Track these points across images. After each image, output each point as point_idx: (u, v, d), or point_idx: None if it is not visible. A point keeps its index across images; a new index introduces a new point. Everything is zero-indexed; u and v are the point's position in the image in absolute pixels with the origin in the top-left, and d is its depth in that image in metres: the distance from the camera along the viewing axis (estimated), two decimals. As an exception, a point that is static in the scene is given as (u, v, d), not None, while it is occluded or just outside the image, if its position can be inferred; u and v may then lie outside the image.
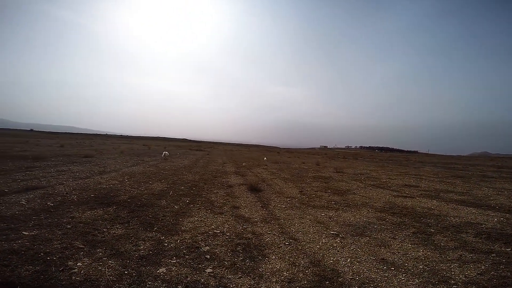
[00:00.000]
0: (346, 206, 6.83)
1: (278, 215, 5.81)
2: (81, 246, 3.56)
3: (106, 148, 26.77)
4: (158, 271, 3.10)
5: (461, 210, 6.81)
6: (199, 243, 4.02)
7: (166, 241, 4.00)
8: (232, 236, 4.40)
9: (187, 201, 6.62)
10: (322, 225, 5.15)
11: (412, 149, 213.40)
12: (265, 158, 25.19)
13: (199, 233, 4.44)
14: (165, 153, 20.11)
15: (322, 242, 4.28)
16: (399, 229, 5.06)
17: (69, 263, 3.10)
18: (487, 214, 6.30)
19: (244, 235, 4.50)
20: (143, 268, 3.12)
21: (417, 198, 8.26)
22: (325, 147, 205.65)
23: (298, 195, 8.02)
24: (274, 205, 6.67)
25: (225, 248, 3.91)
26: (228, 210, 6.04)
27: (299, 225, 5.13)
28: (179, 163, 16.15)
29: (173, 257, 3.47)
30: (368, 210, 6.44)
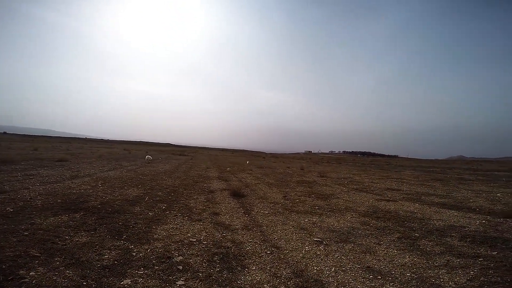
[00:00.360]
0: (329, 211, 6.67)
1: (260, 221, 5.54)
2: (37, 254, 3.26)
3: (83, 152, 25.49)
4: (122, 282, 2.80)
5: (443, 213, 6.82)
6: (171, 253, 3.69)
7: (135, 250, 3.67)
8: (209, 245, 4.09)
9: (163, 207, 6.23)
10: (305, 232, 4.93)
11: (393, 154, 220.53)
12: (247, 162, 24.94)
13: (173, 242, 4.10)
14: (148, 157, 19.70)
15: (305, 250, 4.05)
16: (383, 234, 4.92)
17: (21, 272, 2.79)
18: (469, 217, 6.32)
19: (223, 243, 4.19)
20: (105, 279, 2.84)
21: (400, 201, 8.26)
22: (310, 152, 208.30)
23: (282, 200, 7.79)
24: (257, 211, 6.40)
25: (201, 258, 3.59)
26: (207, 216, 5.70)
27: (282, 232, 4.88)
28: (159, 168, 15.55)
29: (140, 268, 3.16)
30: (352, 215, 6.30)
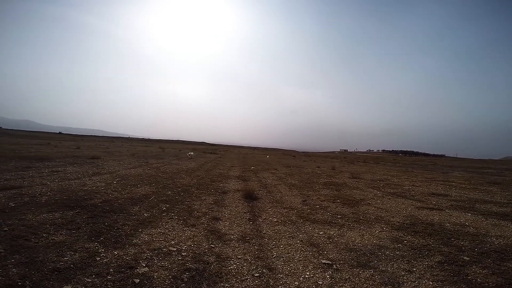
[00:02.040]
0: (354, 221, 5.53)
1: (264, 231, 4.69)
2: (1, 250, 3.21)
3: (120, 150, 26.91)
4: (59, 288, 2.39)
5: (504, 227, 5.32)
6: (138, 262, 3.17)
7: (102, 254, 3.31)
8: (188, 257, 3.43)
9: (164, 208, 5.76)
10: (314, 249, 3.96)
11: (439, 153, 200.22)
12: (267, 156, 24.09)
13: (149, 249, 3.57)
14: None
15: (305, 277, 3.12)
16: (419, 257, 3.75)
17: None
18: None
19: (205, 257, 3.49)
20: (45, 282, 2.63)
21: (447, 210, 6.75)
22: (345, 150, 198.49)
23: (299, 206, 6.82)
24: (265, 218, 5.55)
25: (168, 273, 2.98)
26: (205, 221, 5.03)
27: (285, 248, 3.97)
28: (184, 166, 15.46)
29: (92, 275, 2.84)
30: (382, 228, 5.11)
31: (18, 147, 20.95)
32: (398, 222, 5.52)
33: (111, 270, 2.98)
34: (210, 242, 4.01)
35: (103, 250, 3.47)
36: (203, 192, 7.89)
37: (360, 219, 5.67)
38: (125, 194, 6.77)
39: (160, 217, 5.07)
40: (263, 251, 3.80)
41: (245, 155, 40.33)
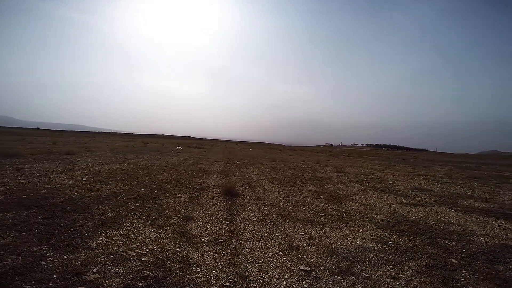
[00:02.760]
0: (337, 219, 5.22)
1: (240, 232, 4.29)
2: None
3: (99, 146, 25.66)
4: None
5: (490, 224, 5.20)
6: (89, 268, 2.76)
7: (49, 259, 2.95)
8: (147, 263, 3.02)
9: (133, 207, 5.26)
10: (293, 253, 3.59)
11: (420, 147, 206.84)
12: (250, 149, 23.83)
13: (105, 253, 3.17)
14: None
15: (281, 287, 2.74)
16: (405, 260, 3.47)
17: None
18: (528, 232, 4.65)
19: (168, 262, 3.08)
20: None
21: (431, 206, 6.62)
22: (331, 144, 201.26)
23: (281, 203, 6.47)
24: (243, 217, 5.14)
25: (120, 281, 2.58)
26: (176, 222, 4.58)
27: (261, 252, 3.59)
28: (164, 161, 14.79)
29: (32, 282, 2.50)
30: (366, 226, 4.82)
31: None
32: (383, 220, 5.27)
33: (54, 276, 2.62)
34: (177, 246, 3.57)
35: (51, 254, 3.08)
36: (179, 189, 7.40)
37: (344, 217, 5.37)
38: (92, 192, 6.23)
39: (126, 217, 4.61)
40: (237, 256, 3.40)
41: (230, 149, 39.75)
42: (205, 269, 2.99)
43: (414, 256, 3.59)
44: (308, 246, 3.84)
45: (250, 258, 3.37)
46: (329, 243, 3.97)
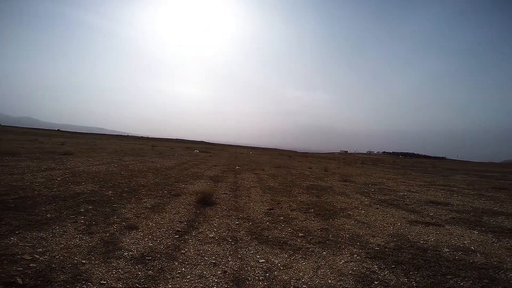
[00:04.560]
0: (318, 242, 4.10)
1: (183, 251, 3.45)
2: None
3: (105, 147, 25.62)
4: None
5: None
6: None
7: None
8: (30, 270, 2.65)
9: (83, 210, 4.83)
10: (234, 290, 2.59)
11: (440, 155, 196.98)
12: (250, 152, 22.86)
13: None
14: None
15: None
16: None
17: None
18: None
19: (55, 273, 2.62)
20: None
21: (446, 226, 5.36)
22: (346, 152, 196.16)
23: (260, 216, 5.44)
24: (200, 231, 4.21)
25: None
26: (113, 230, 3.97)
27: (191, 281, 2.71)
28: (160, 164, 14.14)
29: None
30: (353, 255, 3.65)
31: None
32: (379, 244, 4.08)
33: None
34: (87, 257, 3.01)
35: None
36: (151, 194, 6.63)
37: (328, 239, 4.24)
38: (54, 191, 5.91)
39: (63, 220, 4.18)
40: (155, 281, 2.53)
41: (239, 154, 38.97)
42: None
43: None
44: (259, 281, 2.81)
45: (170, 286, 2.46)
46: (289, 279, 2.89)
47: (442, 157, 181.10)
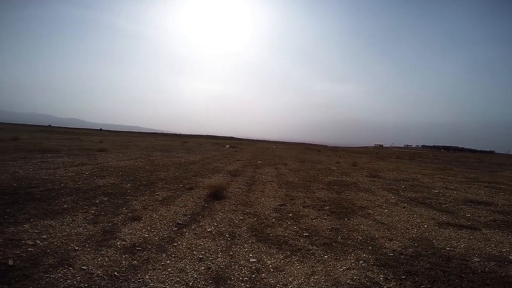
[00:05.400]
0: (323, 244, 3.73)
1: (175, 244, 3.46)
2: None
3: (138, 144, 27.06)
4: None
5: None
6: None
7: None
8: (25, 254, 2.83)
9: (98, 201, 5.14)
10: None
11: (488, 149, 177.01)
12: (274, 146, 22.41)
13: (6, 239, 3.12)
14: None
15: None
16: None
17: None
18: None
19: (45, 258, 2.78)
20: None
21: (484, 229, 4.64)
22: (380, 146, 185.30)
23: (268, 212, 5.21)
24: (201, 225, 4.18)
25: None
26: (118, 221, 4.15)
27: (169, 275, 2.68)
28: (185, 159, 14.53)
29: None
30: (358, 260, 3.22)
31: (44, 141, 21.72)
32: (394, 250, 3.59)
33: None
34: (81, 245, 3.16)
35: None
36: (167, 187, 6.86)
37: (336, 241, 3.85)
38: (79, 184, 6.26)
39: (77, 210, 4.46)
40: (135, 270, 2.59)
41: (265, 149, 38.78)
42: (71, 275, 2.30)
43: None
44: (241, 282, 2.62)
45: (147, 277, 2.44)
46: (274, 284, 2.63)
47: (491, 151, 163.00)
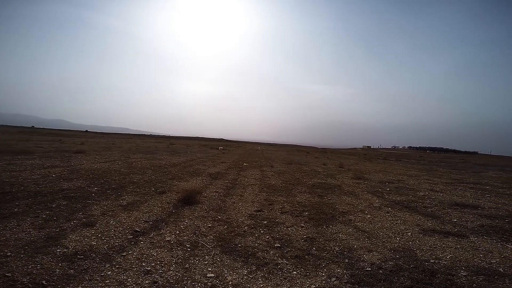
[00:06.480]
0: (295, 257, 3.28)
1: (124, 253, 3.05)
2: None
3: (121, 146, 26.16)
4: None
5: None
6: None
7: None
8: None
9: (54, 206, 4.67)
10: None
11: (471, 150, 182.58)
12: (259, 147, 22.08)
13: None
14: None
15: None
16: None
17: None
18: None
19: None
20: None
21: (472, 237, 4.33)
22: (368, 147, 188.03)
23: (243, 218, 4.76)
24: (161, 233, 3.66)
25: None
26: (68, 226, 3.79)
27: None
28: (166, 161, 13.94)
29: None
30: (331, 277, 2.79)
31: (21, 143, 20.57)
32: (373, 263, 3.18)
33: None
34: (18, 251, 2.86)
35: None
36: (137, 191, 6.39)
37: (310, 253, 3.41)
38: (41, 187, 5.90)
39: (26, 214, 4.12)
40: (68, 280, 2.33)
41: (254, 151, 38.36)
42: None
43: None
44: None
45: None
46: None
47: (474, 152, 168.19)
